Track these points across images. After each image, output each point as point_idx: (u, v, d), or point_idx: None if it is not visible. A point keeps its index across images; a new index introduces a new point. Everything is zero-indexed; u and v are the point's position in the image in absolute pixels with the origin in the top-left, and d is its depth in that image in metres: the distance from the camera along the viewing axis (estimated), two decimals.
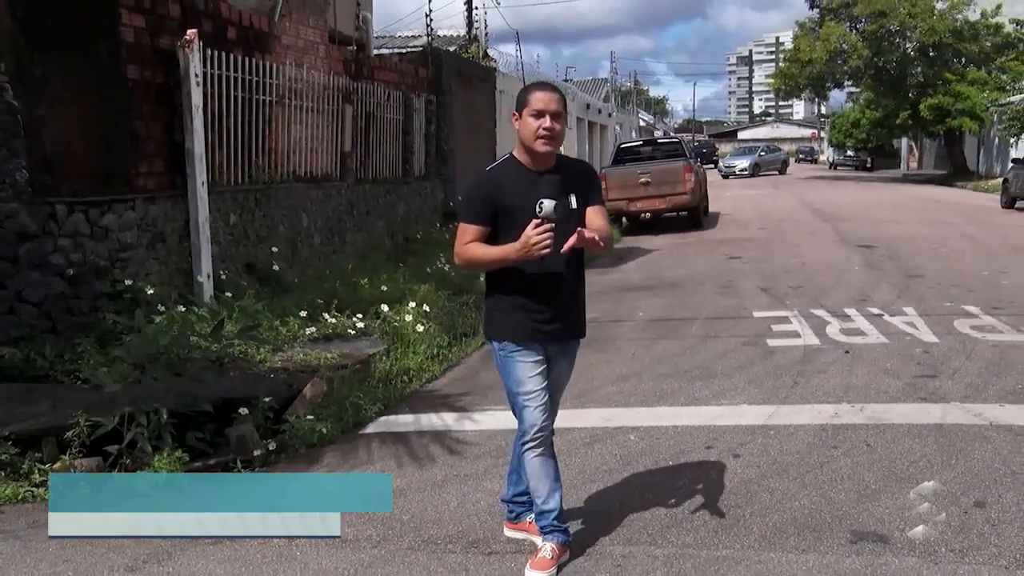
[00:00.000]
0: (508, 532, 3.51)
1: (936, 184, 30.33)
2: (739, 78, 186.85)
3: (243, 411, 4.65)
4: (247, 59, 7.77)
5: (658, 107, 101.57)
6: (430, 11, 17.53)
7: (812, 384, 5.45)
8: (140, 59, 6.53)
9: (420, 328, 6.62)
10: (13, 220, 5.47)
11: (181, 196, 6.84)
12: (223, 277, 7.19)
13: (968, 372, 5.55)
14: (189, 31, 6.76)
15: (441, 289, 8.11)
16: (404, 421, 5.12)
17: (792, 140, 72.15)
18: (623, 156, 17.89)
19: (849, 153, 50.24)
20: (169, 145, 6.83)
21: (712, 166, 43.41)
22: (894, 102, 34.04)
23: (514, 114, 3.09)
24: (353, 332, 6.54)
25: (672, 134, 45.64)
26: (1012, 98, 27.52)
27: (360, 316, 6.79)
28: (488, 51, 21.23)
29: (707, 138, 76.05)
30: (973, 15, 31.61)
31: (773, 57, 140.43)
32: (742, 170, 41.77)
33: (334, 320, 6.63)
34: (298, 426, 4.72)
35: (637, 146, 19.85)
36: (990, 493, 3.66)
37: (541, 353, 3.13)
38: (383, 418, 5.18)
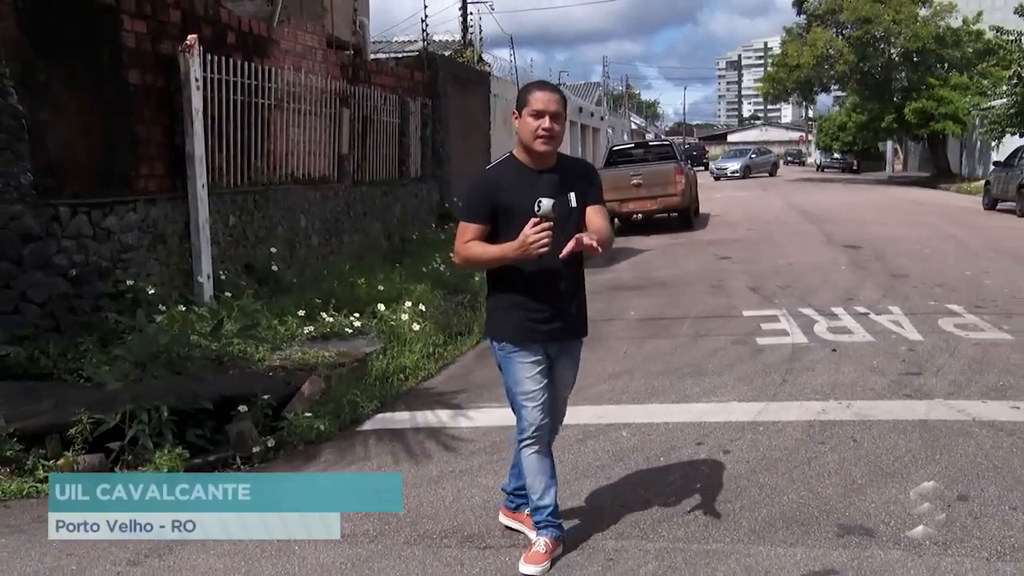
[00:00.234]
0: (503, 519, 3.55)
1: (920, 186, 30.50)
2: (728, 82, 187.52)
3: (242, 408, 4.70)
4: (246, 64, 7.83)
5: (649, 111, 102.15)
6: (426, 16, 17.58)
7: (800, 381, 5.51)
8: (141, 64, 6.59)
9: (416, 327, 6.68)
10: (18, 222, 5.52)
11: (181, 198, 6.91)
12: (223, 277, 7.25)
13: (952, 369, 5.63)
14: (189, 36, 6.82)
15: (437, 289, 8.17)
16: (400, 418, 5.18)
17: (780, 143, 72.23)
18: (615, 158, 17.90)
19: (836, 156, 50.61)
20: (170, 148, 6.89)
21: (702, 168, 43.55)
22: (879, 106, 34.40)
23: (514, 113, 3.11)
24: (350, 331, 6.59)
25: (663, 137, 45.86)
26: (993, 102, 27.75)
27: (357, 315, 6.84)
28: (483, 55, 21.35)
29: (697, 141, 76.23)
30: (955, 22, 32.05)
31: (761, 62, 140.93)
32: (733, 172, 42.11)
33: (332, 319, 6.68)
34: (296, 423, 4.78)
35: (629, 148, 19.91)
36: (973, 487, 3.73)
37: (540, 353, 3.15)
38: (380, 415, 5.23)
